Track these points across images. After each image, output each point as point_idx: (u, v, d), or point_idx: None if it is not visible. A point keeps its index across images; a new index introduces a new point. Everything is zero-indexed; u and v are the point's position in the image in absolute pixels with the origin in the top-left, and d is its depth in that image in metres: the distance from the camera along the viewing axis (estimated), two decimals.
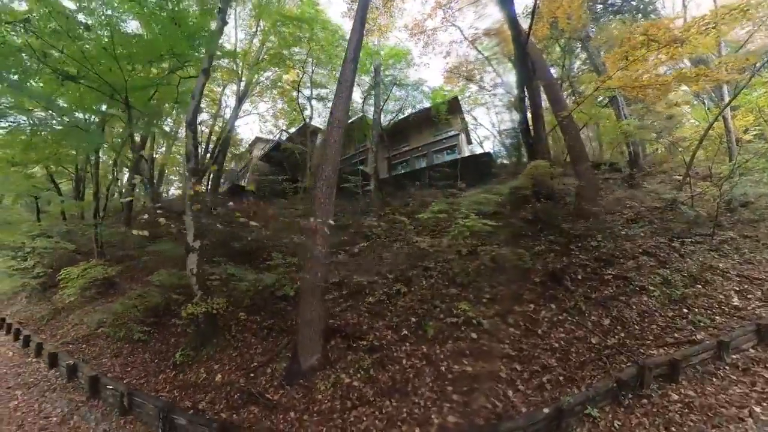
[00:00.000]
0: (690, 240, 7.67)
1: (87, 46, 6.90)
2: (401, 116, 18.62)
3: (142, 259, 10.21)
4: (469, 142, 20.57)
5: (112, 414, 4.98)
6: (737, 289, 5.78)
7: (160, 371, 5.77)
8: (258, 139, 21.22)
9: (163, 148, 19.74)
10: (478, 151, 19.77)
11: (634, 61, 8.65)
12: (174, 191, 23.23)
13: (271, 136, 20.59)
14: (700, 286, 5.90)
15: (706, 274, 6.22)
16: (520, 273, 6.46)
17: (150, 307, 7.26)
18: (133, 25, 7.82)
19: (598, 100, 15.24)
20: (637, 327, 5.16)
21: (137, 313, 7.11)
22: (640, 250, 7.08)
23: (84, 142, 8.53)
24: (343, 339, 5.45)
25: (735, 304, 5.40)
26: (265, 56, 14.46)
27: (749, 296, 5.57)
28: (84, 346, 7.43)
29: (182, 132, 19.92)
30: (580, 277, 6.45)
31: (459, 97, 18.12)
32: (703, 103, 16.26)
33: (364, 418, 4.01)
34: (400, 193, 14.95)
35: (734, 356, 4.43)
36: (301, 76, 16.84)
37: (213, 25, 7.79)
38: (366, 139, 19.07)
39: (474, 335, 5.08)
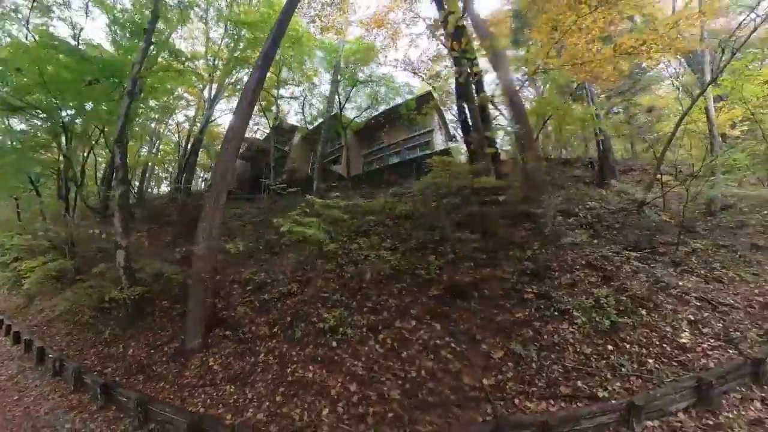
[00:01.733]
0: (648, 250, 6.80)
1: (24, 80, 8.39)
2: (374, 113, 18.83)
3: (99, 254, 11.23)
4: (450, 138, 20.41)
5: (46, 375, 6.57)
6: (692, 318, 4.79)
7: (93, 346, 7.20)
8: None
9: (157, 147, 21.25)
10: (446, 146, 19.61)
11: (568, 33, 7.44)
12: (165, 188, 24.70)
13: (250, 135, 21.42)
14: (643, 312, 4.88)
15: (657, 297, 5.19)
16: (422, 284, 5.95)
17: (102, 295, 8.37)
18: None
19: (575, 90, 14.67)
20: (534, 366, 4.21)
21: (91, 300, 8.12)
22: (584, 262, 6.20)
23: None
24: (226, 329, 6.08)
25: (682, 341, 4.39)
26: (231, 58, 15.08)
27: (705, 330, 4.59)
28: (45, 328, 9.05)
29: (170, 132, 21.27)
30: (493, 293, 5.61)
31: (436, 93, 18.04)
32: (691, 96, 15.30)
33: (203, 396, 4.76)
34: (369, 190, 15.23)
35: (651, 423, 3.39)
36: (278, 75, 17.42)
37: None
38: (340, 137, 19.49)
39: (334, 344, 5.10)
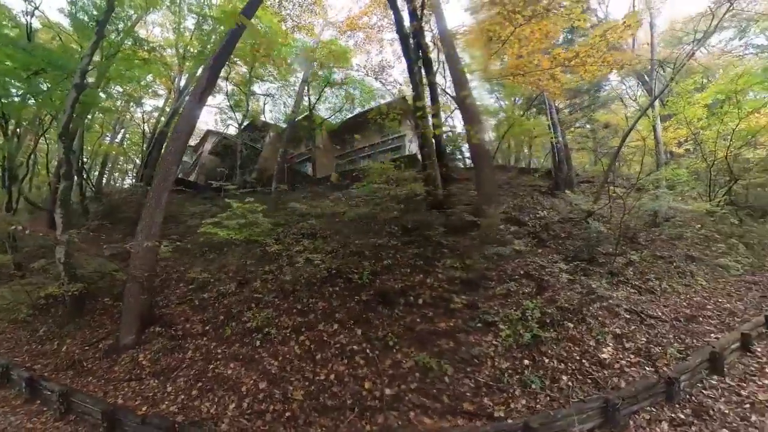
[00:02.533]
0: (588, 261, 6.99)
1: None
2: (349, 116, 19.17)
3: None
4: None
5: None
6: (619, 332, 4.83)
7: (26, 344, 7.05)
8: (210, 133, 21.80)
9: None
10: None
11: (508, 44, 7.67)
12: (131, 181, 24.15)
13: (223, 130, 21.34)
14: (570, 325, 4.88)
15: (588, 309, 5.25)
16: (354, 288, 6.13)
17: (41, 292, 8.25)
18: None
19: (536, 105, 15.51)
20: (445, 380, 4.19)
21: (28, 297, 7.94)
22: (522, 272, 6.34)
23: None
24: (161, 326, 6.25)
25: (603, 356, 4.38)
26: (203, 50, 15.01)
27: (629, 345, 4.59)
28: None
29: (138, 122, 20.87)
30: (420, 301, 5.67)
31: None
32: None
33: (127, 389, 4.97)
34: (336, 192, 15.49)
35: None
36: (250, 72, 17.44)
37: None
38: (313, 138, 19.67)
39: (258, 343, 5.32)
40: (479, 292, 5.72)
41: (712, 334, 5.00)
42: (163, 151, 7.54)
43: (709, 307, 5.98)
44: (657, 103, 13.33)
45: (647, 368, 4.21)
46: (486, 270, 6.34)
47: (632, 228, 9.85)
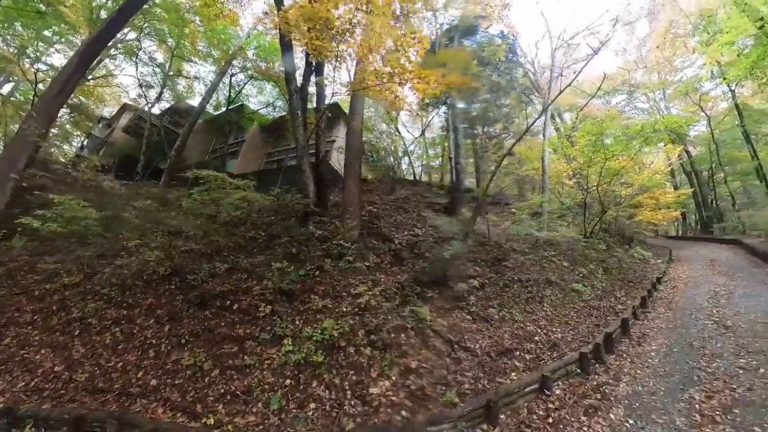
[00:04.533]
0: (432, 282, 7.15)
1: None
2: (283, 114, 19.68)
3: None
4: None
5: None
6: (414, 366, 4.87)
7: None
8: (126, 107, 20.80)
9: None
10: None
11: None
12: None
13: (147, 107, 20.72)
14: (367, 351, 5.01)
15: (399, 335, 5.38)
16: (186, 288, 6.70)
17: None
18: None
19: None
20: (207, 381, 4.72)
21: None
22: (353, 291, 6.52)
23: None
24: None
25: (372, 391, 4.38)
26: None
27: (412, 381, 4.61)
28: None
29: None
30: (236, 306, 6.17)
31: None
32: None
33: None
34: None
35: None
36: (173, 52, 17.32)
37: None
38: (243, 130, 19.89)
39: (77, 332, 5.96)
40: (294, 305, 6.16)
41: (514, 373, 5.16)
42: (16, 134, 7.70)
43: (536, 338, 6.21)
44: (548, 137, 15.59)
45: (403, 413, 4.14)
46: (317, 283, 6.78)
47: (508, 249, 10.77)
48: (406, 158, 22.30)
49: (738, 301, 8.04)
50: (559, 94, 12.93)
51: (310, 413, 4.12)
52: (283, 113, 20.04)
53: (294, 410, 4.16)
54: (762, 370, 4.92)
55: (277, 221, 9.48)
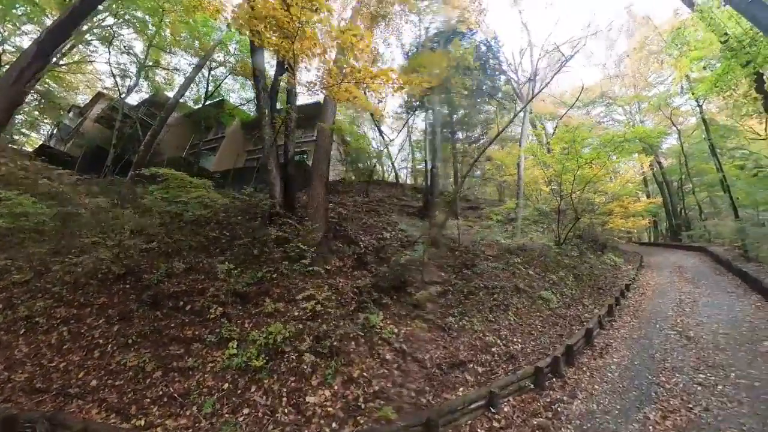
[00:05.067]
0: (391, 288, 7.05)
1: None
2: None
3: None
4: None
5: None
6: (356, 375, 4.79)
7: None
8: (101, 96, 20.22)
9: None
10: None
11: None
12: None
13: (122, 97, 20.25)
14: (311, 358, 4.97)
15: (350, 344, 5.36)
16: (141, 288, 6.65)
17: None
18: None
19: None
20: (147, 382, 4.70)
21: None
22: (307, 294, 6.48)
23: None
24: None
25: (309, 400, 4.41)
26: None
27: (351, 392, 4.57)
28: None
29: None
30: (188, 307, 6.13)
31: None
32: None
33: None
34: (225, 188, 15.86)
35: None
36: (150, 43, 17.00)
37: None
38: (223, 126, 19.67)
39: (22, 331, 5.82)
40: (247, 307, 6.14)
41: (462, 388, 5.02)
42: None
43: (493, 350, 6.06)
44: (524, 144, 15.97)
45: (334, 425, 4.09)
46: (273, 286, 6.75)
47: (478, 255, 10.74)
48: (389, 161, 22.44)
49: (701, 310, 8.20)
50: (533, 97, 13.34)
51: (242, 419, 4.12)
52: None
53: (226, 415, 4.18)
54: (720, 387, 4.88)
55: (243, 221, 9.49)
